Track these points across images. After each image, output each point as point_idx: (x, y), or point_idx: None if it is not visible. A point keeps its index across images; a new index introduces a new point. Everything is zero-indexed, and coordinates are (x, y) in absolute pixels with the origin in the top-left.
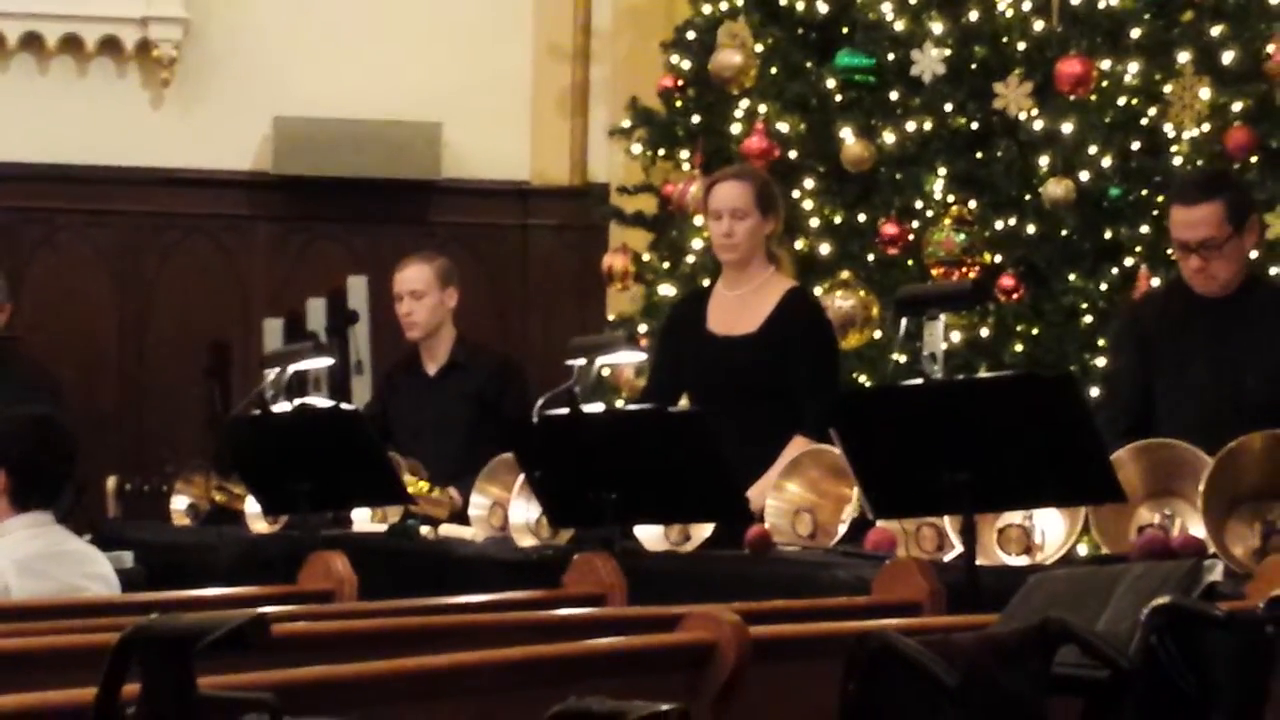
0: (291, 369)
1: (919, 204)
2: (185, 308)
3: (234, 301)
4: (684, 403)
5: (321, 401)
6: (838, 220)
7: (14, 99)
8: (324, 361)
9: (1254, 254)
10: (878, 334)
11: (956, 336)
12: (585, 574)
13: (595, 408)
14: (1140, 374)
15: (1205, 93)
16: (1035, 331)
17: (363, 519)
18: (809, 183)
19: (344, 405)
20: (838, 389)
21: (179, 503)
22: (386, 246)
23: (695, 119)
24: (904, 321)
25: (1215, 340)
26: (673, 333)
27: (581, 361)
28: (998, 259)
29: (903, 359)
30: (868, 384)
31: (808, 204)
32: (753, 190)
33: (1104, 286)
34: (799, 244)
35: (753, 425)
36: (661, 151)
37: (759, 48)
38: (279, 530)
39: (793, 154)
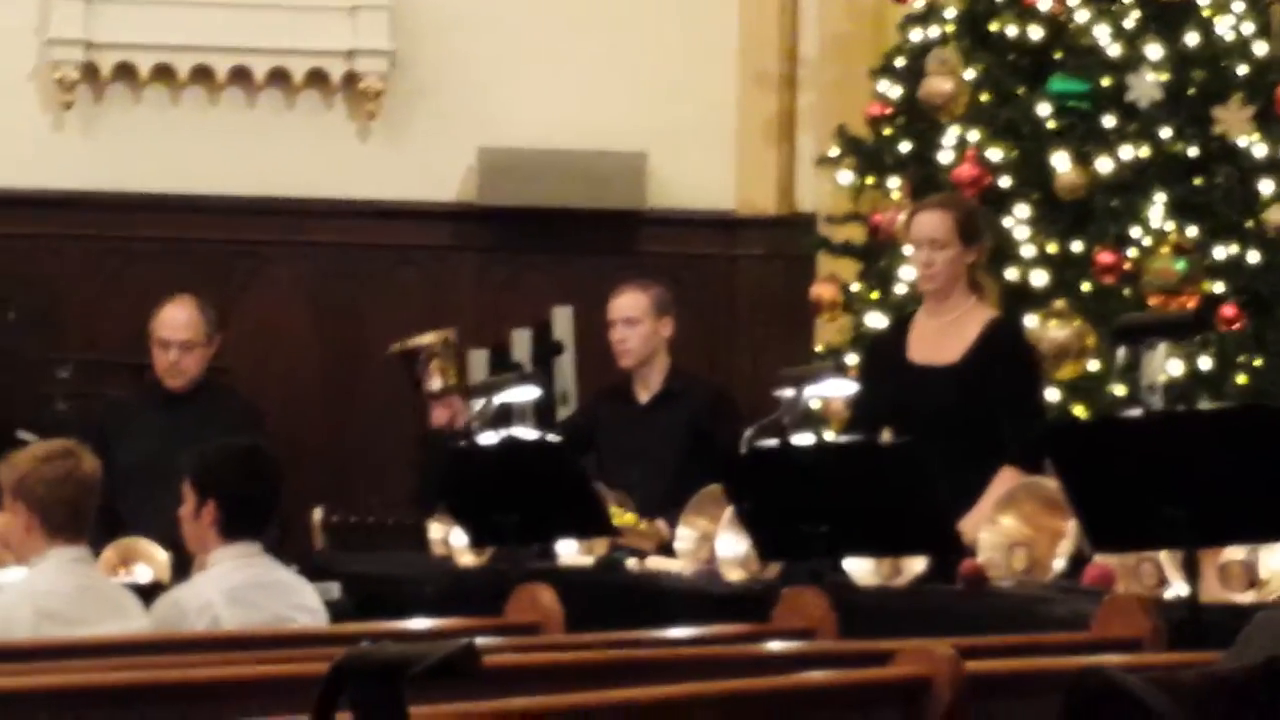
0: (497, 400)
1: (1136, 232)
2: (390, 339)
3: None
4: (885, 434)
5: (528, 433)
6: (1052, 249)
7: (223, 132)
8: (530, 392)
9: None
10: (1094, 365)
11: (1176, 367)
12: (795, 608)
13: (804, 439)
14: None
15: None
16: (1258, 363)
17: (569, 551)
18: (1022, 211)
19: (551, 437)
20: (1042, 419)
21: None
22: (591, 277)
23: (904, 146)
24: (1122, 352)
25: None
26: (873, 363)
27: (790, 392)
28: (1218, 288)
29: (1121, 390)
30: (1084, 416)
31: (1020, 232)
32: (953, 220)
33: None
34: (1012, 273)
35: (952, 455)
36: (870, 180)
37: (969, 74)
38: (485, 562)
39: (1004, 181)
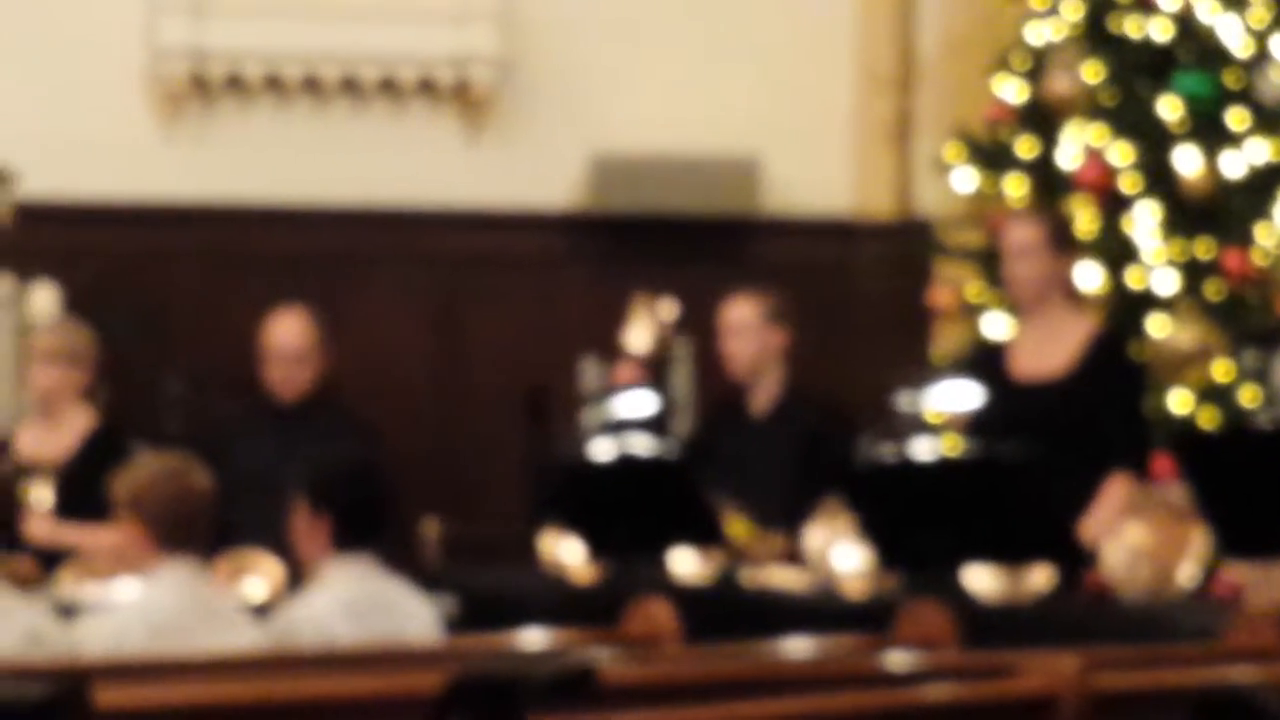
0: (612, 409)
1: (1266, 234)
2: (502, 349)
3: (551, 342)
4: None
5: (643, 444)
6: (1177, 252)
7: (332, 141)
8: (644, 401)
9: None
10: (1221, 372)
11: None
12: (916, 620)
13: (923, 448)
14: None
15: None
16: None
17: (685, 564)
18: (1146, 213)
19: (666, 450)
20: (1148, 427)
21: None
22: (705, 284)
23: (1024, 148)
24: (1251, 358)
25: None
26: (973, 374)
27: (907, 400)
28: None
29: (1251, 397)
30: (1213, 423)
31: (1145, 235)
32: (1044, 230)
33: None
34: (1136, 277)
35: (1060, 466)
36: (989, 183)
37: (1092, 73)
38: (600, 576)
39: (1128, 183)
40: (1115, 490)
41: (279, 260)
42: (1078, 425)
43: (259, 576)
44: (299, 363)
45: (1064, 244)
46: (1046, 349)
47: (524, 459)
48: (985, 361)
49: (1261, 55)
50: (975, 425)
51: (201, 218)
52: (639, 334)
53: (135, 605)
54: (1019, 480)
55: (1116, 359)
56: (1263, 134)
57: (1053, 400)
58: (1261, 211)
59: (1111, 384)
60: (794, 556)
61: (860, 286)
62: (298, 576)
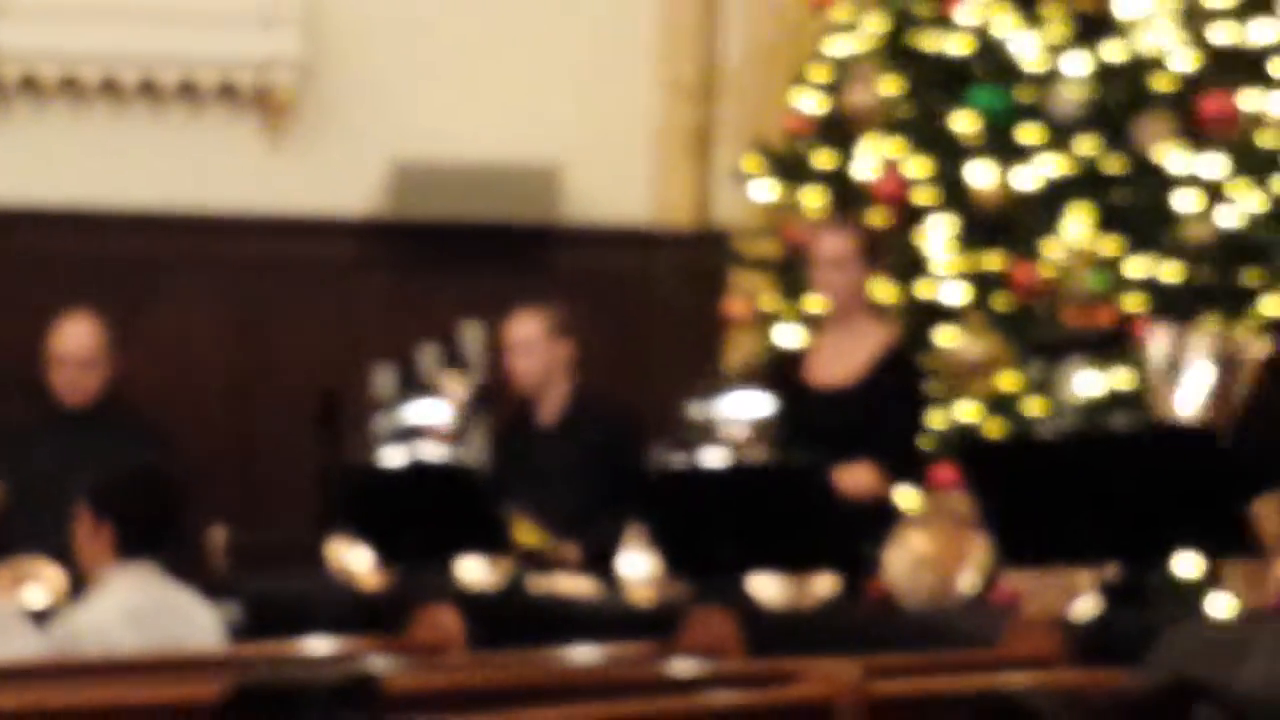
0: (403, 417)
1: (1055, 247)
2: (299, 355)
3: (346, 348)
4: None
5: (434, 451)
6: (969, 264)
7: (130, 144)
8: (437, 409)
9: None
10: (1009, 382)
11: (1093, 384)
12: (701, 628)
13: (713, 457)
14: None
15: None
16: None
17: (473, 572)
18: (941, 225)
19: (455, 458)
20: (919, 432)
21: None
22: (503, 293)
23: (823, 161)
24: (1038, 368)
25: None
26: (768, 382)
27: (698, 409)
28: (1137, 303)
29: (1038, 407)
30: (1000, 433)
31: (939, 247)
32: (854, 241)
33: (1246, 332)
34: (928, 288)
35: None
36: (788, 194)
37: (890, 88)
38: (387, 582)
39: (923, 196)
40: (857, 472)
41: (76, 264)
42: (867, 433)
43: (39, 584)
44: (85, 368)
45: (872, 255)
46: (844, 358)
47: (315, 466)
48: (781, 370)
49: (1055, 71)
50: (769, 433)
51: None
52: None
53: None
54: (805, 488)
55: (902, 368)
56: (1054, 149)
57: (844, 408)
58: (1051, 225)
59: (893, 392)
60: (584, 565)
61: (659, 295)
62: (80, 584)
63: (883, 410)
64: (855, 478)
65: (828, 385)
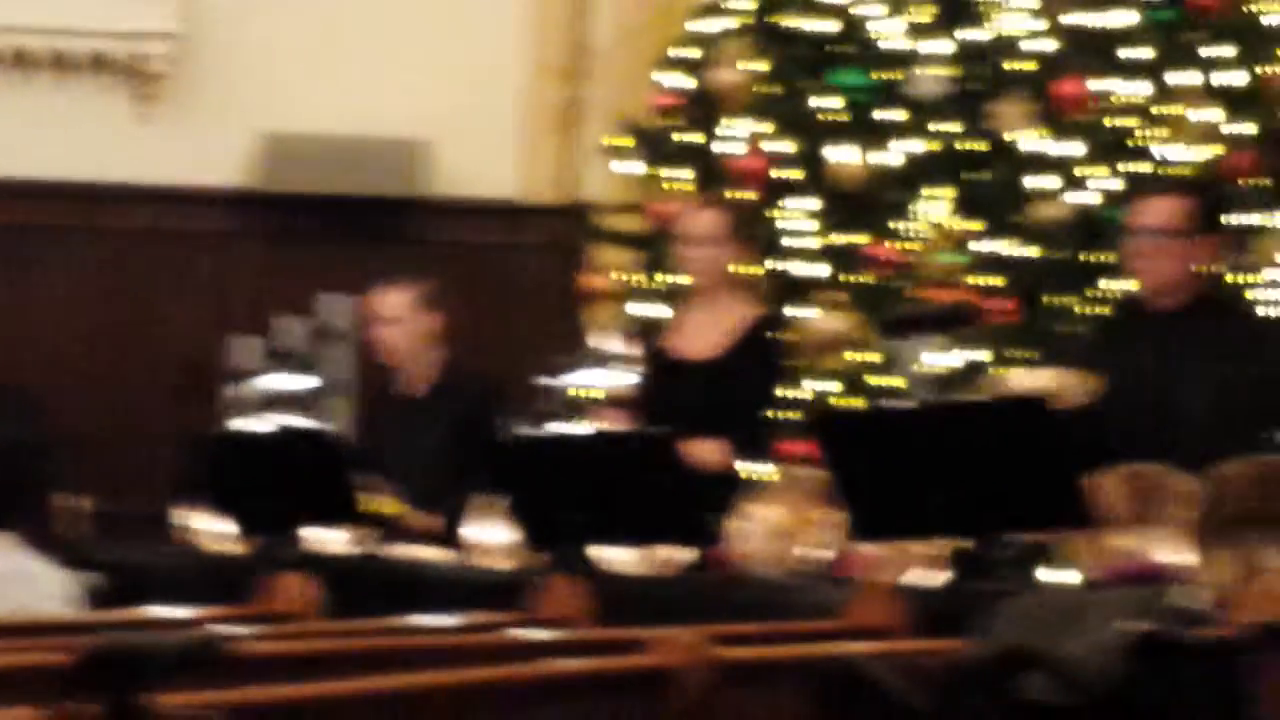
0: (271, 388)
1: (913, 225)
2: (165, 325)
3: (215, 319)
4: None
5: (296, 421)
6: (831, 241)
7: (1, 115)
8: (305, 381)
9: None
10: (868, 356)
11: (948, 359)
12: (555, 597)
13: (573, 428)
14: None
15: (1207, 115)
16: (1028, 355)
17: (332, 539)
18: (803, 203)
19: (317, 425)
20: (770, 404)
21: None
22: (372, 265)
23: (689, 138)
24: (893, 343)
25: (1156, 354)
26: (641, 353)
27: (555, 381)
28: (992, 281)
29: (893, 381)
30: (855, 406)
31: (801, 224)
32: (723, 219)
33: (1099, 310)
34: (791, 265)
35: None
36: (653, 170)
37: (756, 67)
38: (246, 550)
39: (787, 173)
40: (705, 449)
41: None
42: (724, 406)
43: None
44: None
45: (740, 233)
46: (709, 333)
47: (180, 435)
48: (648, 342)
49: (916, 54)
50: (630, 405)
51: None
52: None
53: None
54: (655, 458)
55: (762, 343)
56: (914, 130)
57: (706, 382)
58: (909, 204)
59: (752, 366)
60: (448, 535)
61: (524, 269)
62: None
63: (741, 384)
64: (702, 450)
65: (693, 359)
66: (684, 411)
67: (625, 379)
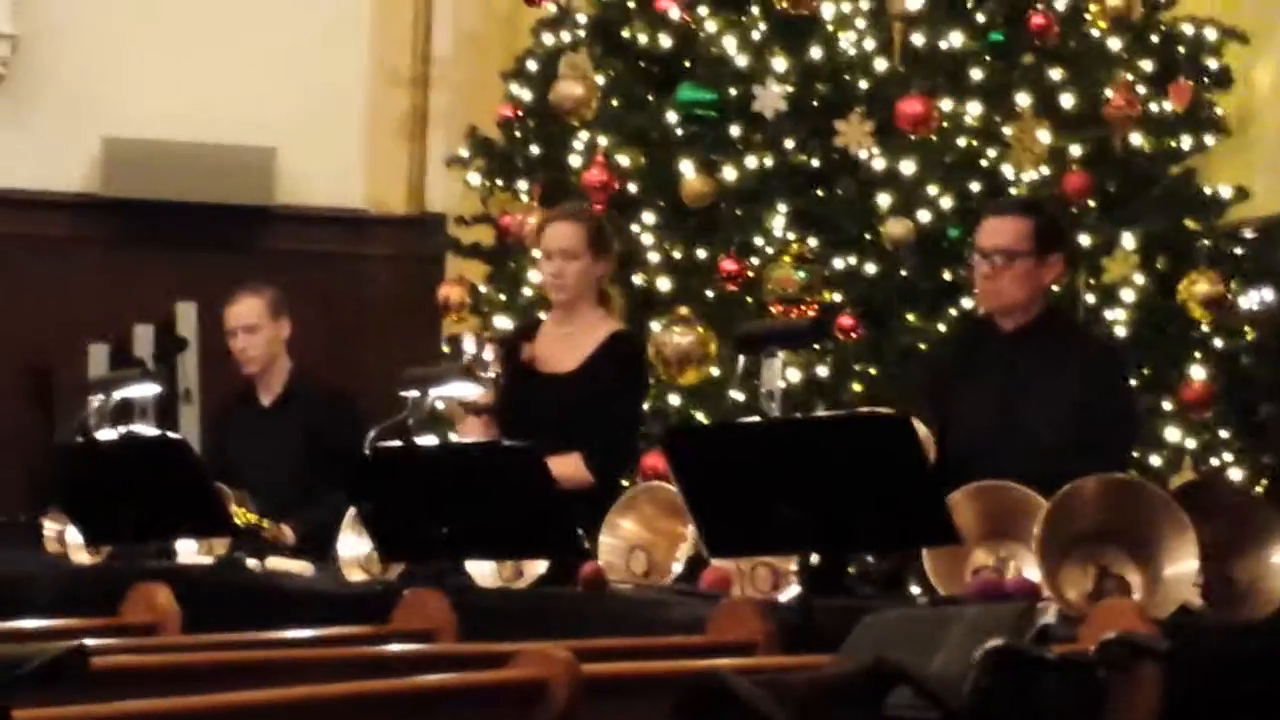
0: (117, 396)
1: (759, 241)
2: (8, 333)
3: (59, 326)
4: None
5: (148, 430)
6: (677, 255)
7: None
8: (151, 389)
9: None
10: (716, 371)
11: (795, 375)
12: (415, 610)
13: (428, 440)
14: (935, 421)
15: (1044, 136)
16: (873, 371)
17: (189, 551)
18: (649, 217)
19: (170, 434)
20: (623, 434)
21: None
22: (218, 273)
23: (534, 150)
24: (742, 359)
25: (1003, 374)
26: (502, 364)
27: (415, 393)
28: (837, 298)
29: (741, 396)
30: (704, 421)
31: (647, 239)
32: (585, 231)
33: (942, 327)
34: (638, 279)
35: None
36: (500, 182)
37: (600, 79)
38: (101, 561)
39: (633, 187)
40: (562, 464)
41: None
42: (583, 420)
43: None
44: None
45: (601, 246)
46: (567, 347)
47: (30, 445)
48: (503, 355)
49: (762, 69)
50: (491, 414)
51: None
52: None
53: None
54: (519, 470)
55: (622, 357)
56: (759, 145)
57: (566, 395)
58: (756, 219)
59: (611, 380)
60: (300, 545)
61: (372, 279)
62: None
63: (598, 397)
64: (561, 466)
65: (553, 372)
66: (541, 424)
67: (484, 389)
